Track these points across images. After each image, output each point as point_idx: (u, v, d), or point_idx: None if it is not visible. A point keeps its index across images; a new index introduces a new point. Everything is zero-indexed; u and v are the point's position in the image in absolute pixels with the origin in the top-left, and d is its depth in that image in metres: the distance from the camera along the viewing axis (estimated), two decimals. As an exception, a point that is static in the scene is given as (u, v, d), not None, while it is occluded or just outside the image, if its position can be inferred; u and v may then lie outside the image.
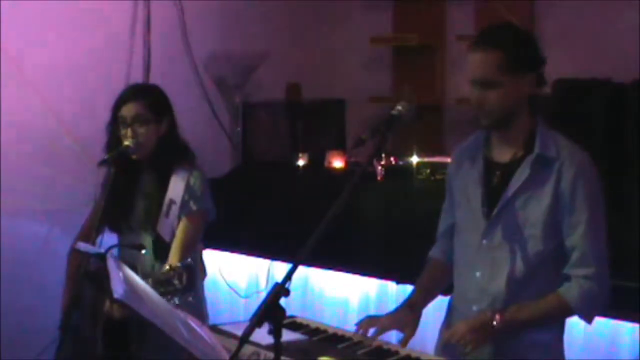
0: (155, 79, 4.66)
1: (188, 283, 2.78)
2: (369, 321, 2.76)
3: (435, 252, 2.99)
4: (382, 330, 2.74)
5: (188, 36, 4.94)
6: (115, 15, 4.70)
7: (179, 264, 2.84)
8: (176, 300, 3.14)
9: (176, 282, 2.79)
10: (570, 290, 2.64)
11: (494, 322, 2.59)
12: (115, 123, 3.45)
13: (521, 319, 2.65)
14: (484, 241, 2.73)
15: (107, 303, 3.10)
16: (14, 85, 4.32)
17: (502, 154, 2.75)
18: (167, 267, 2.85)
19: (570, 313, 2.68)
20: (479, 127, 2.81)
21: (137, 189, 3.50)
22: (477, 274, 2.75)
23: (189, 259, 3.16)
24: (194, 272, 2.82)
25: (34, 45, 4.41)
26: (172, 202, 3.39)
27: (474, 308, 2.75)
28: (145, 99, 3.44)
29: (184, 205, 3.40)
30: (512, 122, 2.70)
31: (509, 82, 2.63)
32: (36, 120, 4.42)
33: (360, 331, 2.74)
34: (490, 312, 2.62)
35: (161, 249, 3.41)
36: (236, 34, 5.18)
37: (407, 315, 2.80)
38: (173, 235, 3.40)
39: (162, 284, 2.80)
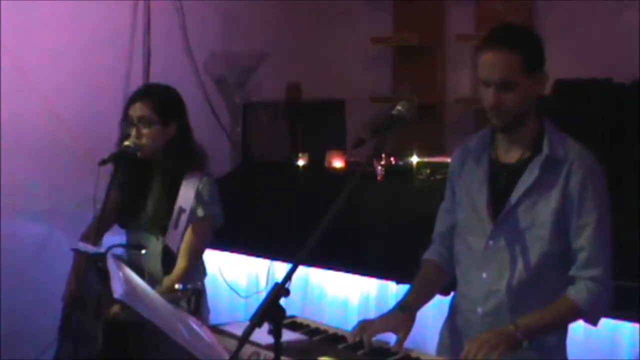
0: (155, 79, 4.66)
1: (195, 307, 2.78)
2: (362, 326, 2.72)
3: (430, 254, 2.96)
4: (374, 333, 2.71)
5: (188, 36, 4.94)
6: (115, 15, 4.70)
7: (188, 287, 2.83)
8: None
9: (183, 304, 2.80)
10: (579, 293, 2.63)
11: (515, 332, 2.56)
12: (125, 121, 3.46)
13: (537, 326, 2.63)
14: (491, 242, 2.72)
15: (114, 306, 3.10)
16: (14, 85, 4.32)
17: (509, 155, 2.74)
18: (177, 286, 2.85)
19: (580, 316, 2.67)
20: (485, 127, 2.80)
21: (148, 189, 3.50)
22: (484, 275, 2.74)
23: (199, 283, 3.14)
24: (203, 296, 2.81)
25: (34, 45, 4.41)
26: (181, 210, 3.39)
27: (479, 310, 2.75)
28: (153, 100, 3.43)
29: (191, 212, 3.40)
30: (522, 123, 2.70)
31: (525, 83, 2.62)
32: (36, 121, 4.42)
33: (357, 337, 2.71)
34: (507, 326, 2.59)
35: (163, 259, 3.41)
36: (236, 34, 5.18)
37: (400, 317, 2.76)
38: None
39: (170, 303, 2.79)
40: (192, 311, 2.78)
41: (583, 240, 2.64)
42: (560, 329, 2.73)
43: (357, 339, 2.67)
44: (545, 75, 2.68)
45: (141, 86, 3.65)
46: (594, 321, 2.69)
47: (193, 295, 2.79)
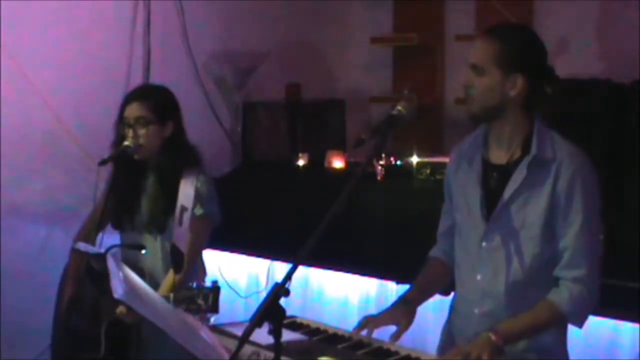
0: (155, 79, 4.66)
1: (213, 304, 2.78)
2: (366, 322, 2.75)
3: (435, 252, 2.99)
4: (377, 325, 2.73)
5: (188, 36, 4.94)
6: (115, 15, 4.70)
7: (203, 284, 2.84)
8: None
9: (200, 302, 2.79)
10: (560, 296, 2.62)
11: (493, 339, 2.56)
12: (121, 122, 3.46)
13: (516, 332, 2.63)
14: (484, 243, 2.72)
15: (119, 307, 3.11)
16: (14, 85, 4.32)
17: (499, 156, 2.75)
18: (193, 284, 2.85)
19: (562, 319, 2.66)
20: (478, 128, 2.82)
21: (142, 189, 3.50)
22: (478, 276, 2.75)
23: (217, 280, 3.14)
24: (219, 293, 2.81)
25: (34, 45, 4.40)
26: (183, 208, 3.38)
27: (476, 311, 2.75)
28: (149, 100, 3.44)
29: (191, 210, 3.39)
30: (498, 120, 2.70)
31: (495, 75, 2.64)
32: (36, 121, 4.42)
33: (363, 332, 2.73)
34: (486, 333, 2.59)
35: (172, 258, 3.40)
36: (236, 34, 5.18)
37: (402, 311, 2.79)
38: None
39: (184, 302, 2.80)
40: (209, 309, 2.78)
41: (568, 240, 2.63)
42: (542, 332, 2.71)
43: (361, 333, 2.68)
44: (520, 80, 2.65)
45: (136, 87, 3.65)
46: (578, 323, 2.68)
47: (211, 292, 2.79)
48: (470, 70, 2.69)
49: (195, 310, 2.79)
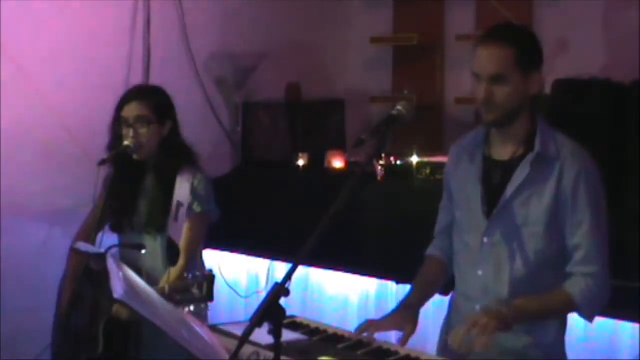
0: (155, 79, 4.66)
1: (208, 293, 2.78)
2: (368, 325, 2.75)
3: (432, 250, 2.99)
4: (379, 330, 2.73)
5: (188, 36, 4.94)
6: (115, 15, 4.70)
7: (198, 273, 2.84)
8: (191, 308, 3.10)
9: (195, 291, 2.79)
10: (575, 287, 2.65)
11: (505, 312, 2.56)
12: (117, 123, 3.46)
13: (527, 310, 2.63)
14: (485, 239, 2.73)
15: (115, 305, 3.11)
16: (14, 85, 4.32)
17: (502, 153, 2.76)
18: (188, 275, 2.85)
19: (574, 308, 2.68)
20: (480, 125, 2.82)
21: (140, 189, 3.50)
22: (480, 272, 2.75)
23: (211, 269, 3.15)
24: (214, 282, 2.81)
25: (34, 45, 4.40)
26: (179, 204, 3.40)
27: (477, 307, 2.75)
28: (148, 100, 3.45)
29: (188, 207, 3.40)
30: (514, 121, 2.71)
31: (518, 79, 2.65)
32: (36, 120, 4.41)
33: (364, 334, 2.73)
34: (500, 307, 2.59)
35: (168, 252, 3.40)
36: (236, 34, 5.18)
37: (406, 316, 2.79)
38: None
39: (179, 292, 2.80)
40: (204, 298, 2.78)
41: (579, 238, 2.65)
42: (551, 318, 2.73)
43: (362, 335, 2.69)
44: (539, 77, 2.70)
45: (132, 88, 3.65)
46: (589, 316, 2.70)
47: (205, 281, 2.79)
48: (486, 81, 2.66)
49: (190, 300, 2.79)
